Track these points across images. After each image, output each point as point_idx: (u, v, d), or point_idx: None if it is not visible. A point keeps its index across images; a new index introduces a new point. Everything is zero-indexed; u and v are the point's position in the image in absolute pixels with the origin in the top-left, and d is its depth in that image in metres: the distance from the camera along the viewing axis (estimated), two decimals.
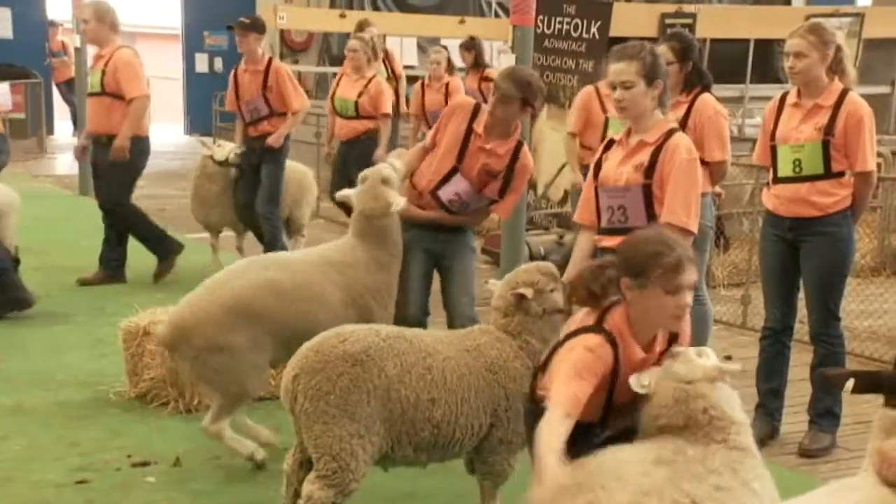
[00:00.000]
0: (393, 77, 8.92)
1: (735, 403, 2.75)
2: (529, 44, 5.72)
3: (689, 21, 10.50)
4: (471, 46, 9.42)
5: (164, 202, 10.00)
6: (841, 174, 4.16)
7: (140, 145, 6.79)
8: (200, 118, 15.83)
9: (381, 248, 4.23)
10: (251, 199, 7.08)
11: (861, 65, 11.31)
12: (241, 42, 7.01)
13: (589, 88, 6.08)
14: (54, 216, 9.32)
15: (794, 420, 4.57)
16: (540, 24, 7.81)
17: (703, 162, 4.63)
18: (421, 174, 4.51)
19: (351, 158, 7.64)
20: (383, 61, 8.81)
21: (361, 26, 8.66)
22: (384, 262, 4.24)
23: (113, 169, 6.71)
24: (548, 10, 8.05)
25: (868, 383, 2.55)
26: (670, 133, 3.54)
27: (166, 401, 4.64)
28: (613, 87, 3.52)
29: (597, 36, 8.06)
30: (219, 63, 17.05)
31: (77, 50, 10.86)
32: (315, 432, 3.16)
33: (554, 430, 2.65)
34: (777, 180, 4.27)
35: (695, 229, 3.49)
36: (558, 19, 8.24)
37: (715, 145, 4.64)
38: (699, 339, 3.87)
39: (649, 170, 3.49)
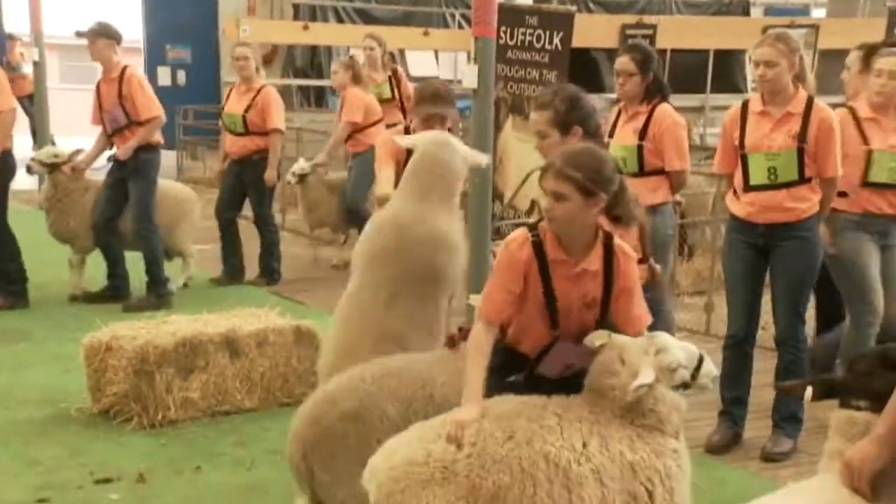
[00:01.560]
0: (398, 97, 8.25)
1: (664, 400, 2.84)
2: (491, 55, 5.73)
3: (649, 32, 10.64)
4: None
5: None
6: (810, 180, 4.24)
7: (5, 161, 6.47)
8: (164, 131, 15.69)
9: None
10: (111, 215, 6.62)
11: (816, 75, 11.57)
12: (91, 51, 6.54)
13: None
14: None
15: (758, 426, 4.62)
16: (503, 36, 7.85)
17: (662, 172, 4.71)
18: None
19: (244, 180, 7.23)
20: (389, 78, 8.31)
21: (367, 39, 8.35)
22: None
23: None
24: (510, 21, 8.09)
25: (824, 390, 2.69)
26: None
27: (129, 416, 4.58)
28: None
29: (559, 47, 8.11)
30: (182, 76, 16.91)
31: (36, 63, 10.72)
32: (340, 497, 3.12)
33: (474, 347, 2.91)
34: (749, 188, 4.31)
35: None
36: (521, 30, 8.28)
37: (674, 155, 4.68)
38: None
39: None
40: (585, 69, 13.49)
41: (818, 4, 15.40)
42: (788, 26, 11.28)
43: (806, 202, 4.23)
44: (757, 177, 4.27)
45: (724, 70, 14.97)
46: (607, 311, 3.01)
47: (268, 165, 7.14)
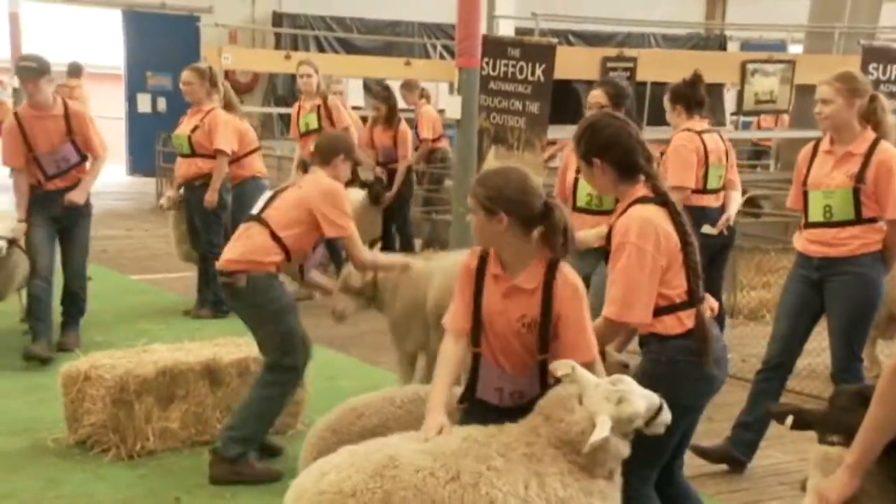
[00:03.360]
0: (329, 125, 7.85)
1: (608, 450, 2.74)
2: (475, 86, 5.80)
3: (630, 65, 10.76)
4: (387, 97, 8.66)
5: (105, 243, 9.81)
6: (873, 220, 4.28)
7: None
8: (143, 158, 15.64)
9: None
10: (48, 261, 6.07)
11: (794, 110, 11.73)
12: (33, 88, 5.87)
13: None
14: None
15: (757, 454, 4.59)
16: (485, 67, 7.93)
17: None
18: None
19: (190, 204, 7.05)
20: (317, 108, 7.90)
21: (302, 66, 8.07)
22: None
23: None
24: (492, 53, 8.17)
25: (803, 421, 2.77)
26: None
27: (107, 447, 4.50)
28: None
29: (542, 78, 8.21)
30: (162, 103, 16.89)
31: (16, 90, 10.69)
32: None
33: (441, 358, 3.01)
34: (808, 224, 4.39)
35: None
36: (503, 62, 8.37)
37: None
38: None
39: None
40: (567, 100, 13.64)
41: (795, 41, 15.63)
42: (766, 61, 11.47)
43: (859, 240, 4.27)
44: (815, 214, 4.35)
45: None
46: (546, 337, 2.96)
47: (209, 189, 6.85)
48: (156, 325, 6.76)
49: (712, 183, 5.39)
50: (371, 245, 7.84)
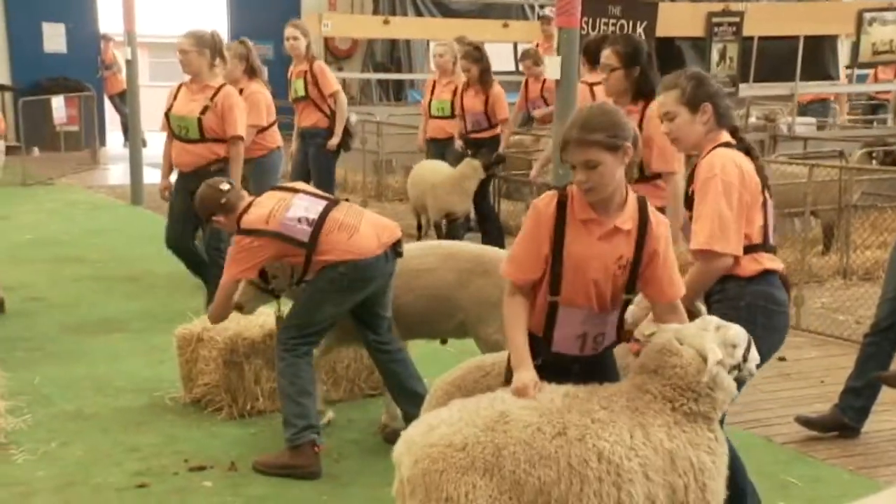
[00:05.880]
0: (318, 96, 7.46)
1: (722, 384, 2.74)
2: (575, 46, 5.69)
3: (736, 20, 10.38)
4: (478, 58, 7.97)
5: None
6: None
7: None
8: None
9: None
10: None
11: None
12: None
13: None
14: (108, 227, 9.50)
15: (872, 419, 4.45)
16: (585, 26, 7.78)
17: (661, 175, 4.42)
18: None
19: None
20: (304, 74, 7.37)
21: (289, 27, 7.56)
22: None
23: None
24: (592, 11, 8.02)
25: None
26: None
27: (220, 406, 4.70)
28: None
29: (643, 37, 7.99)
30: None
31: (129, 62, 11.07)
32: None
33: (509, 314, 2.91)
34: None
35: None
36: (603, 20, 8.21)
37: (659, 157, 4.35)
38: None
39: None
40: (670, 59, 13.27)
41: None
42: (886, 9, 10.87)
43: None
44: None
45: (815, 57, 14.52)
46: (636, 275, 2.91)
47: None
48: None
49: None
50: (450, 221, 7.83)
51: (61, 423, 4.62)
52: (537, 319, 2.96)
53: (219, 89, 5.89)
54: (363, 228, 4.08)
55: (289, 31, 7.53)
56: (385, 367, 4.30)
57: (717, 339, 2.75)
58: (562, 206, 2.88)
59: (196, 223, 5.93)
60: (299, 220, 4.05)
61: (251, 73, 6.86)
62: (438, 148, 8.32)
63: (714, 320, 2.83)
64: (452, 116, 8.11)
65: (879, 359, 4.31)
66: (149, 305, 6.69)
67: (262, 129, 6.78)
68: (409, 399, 4.14)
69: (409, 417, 4.29)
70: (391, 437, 4.38)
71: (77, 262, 7.84)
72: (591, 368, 2.94)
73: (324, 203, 4.13)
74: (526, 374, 2.79)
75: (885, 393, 4.38)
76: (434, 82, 8.33)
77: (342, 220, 4.08)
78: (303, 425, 4.04)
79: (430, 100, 8.25)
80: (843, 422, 4.39)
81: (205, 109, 5.84)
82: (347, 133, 7.64)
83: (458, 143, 8.11)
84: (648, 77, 4.37)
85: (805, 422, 4.36)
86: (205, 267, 6.06)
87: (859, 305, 6.20)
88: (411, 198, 8.30)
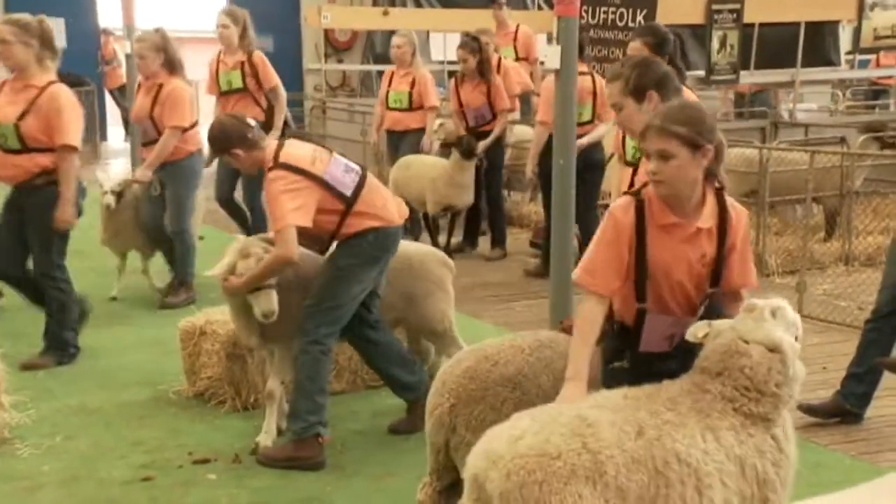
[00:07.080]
0: (256, 88, 7.00)
1: (797, 376, 2.64)
2: (575, 35, 5.65)
3: (736, 6, 10.31)
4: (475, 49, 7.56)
5: (215, 204, 10.10)
6: None
7: None
8: None
9: None
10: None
11: None
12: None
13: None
14: None
15: (874, 405, 4.46)
16: (584, 15, 7.75)
17: None
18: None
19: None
20: (241, 65, 6.92)
21: (220, 15, 7.12)
22: None
23: None
24: (592, 0, 7.99)
25: None
26: None
27: (223, 399, 4.72)
28: None
29: (643, 25, 7.97)
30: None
31: (128, 56, 11.05)
32: None
33: (583, 321, 2.80)
34: None
35: None
36: (602, 9, 8.18)
37: None
38: None
39: None
40: None
41: None
42: None
43: None
44: None
45: (816, 43, 14.44)
46: (720, 270, 2.87)
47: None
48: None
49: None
50: (454, 215, 7.79)
51: (65, 417, 4.65)
52: (631, 320, 2.92)
53: (43, 89, 5.01)
54: (389, 198, 4.18)
55: (220, 18, 7.00)
56: (374, 350, 4.37)
57: (780, 325, 2.62)
58: (639, 211, 2.82)
59: (26, 245, 5.25)
60: (346, 170, 3.97)
61: (171, 67, 6.23)
62: (394, 140, 8.20)
63: (762, 304, 2.66)
64: (409, 108, 7.94)
65: (881, 345, 4.32)
66: (151, 299, 6.69)
67: (185, 130, 6.28)
68: (401, 384, 4.37)
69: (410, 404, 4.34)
70: (395, 428, 4.41)
71: (79, 255, 7.81)
72: (669, 361, 2.86)
73: (358, 165, 4.15)
74: (575, 387, 2.70)
75: (888, 379, 4.38)
76: (392, 73, 8.14)
77: (377, 185, 4.15)
78: (313, 421, 4.06)
79: (388, 91, 8.06)
80: (846, 408, 4.40)
81: (23, 114, 4.97)
82: (288, 129, 6.97)
83: (426, 142, 7.89)
84: (675, 65, 4.48)
85: (807, 408, 4.37)
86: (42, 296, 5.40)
87: (861, 291, 6.19)
88: (408, 193, 7.64)
